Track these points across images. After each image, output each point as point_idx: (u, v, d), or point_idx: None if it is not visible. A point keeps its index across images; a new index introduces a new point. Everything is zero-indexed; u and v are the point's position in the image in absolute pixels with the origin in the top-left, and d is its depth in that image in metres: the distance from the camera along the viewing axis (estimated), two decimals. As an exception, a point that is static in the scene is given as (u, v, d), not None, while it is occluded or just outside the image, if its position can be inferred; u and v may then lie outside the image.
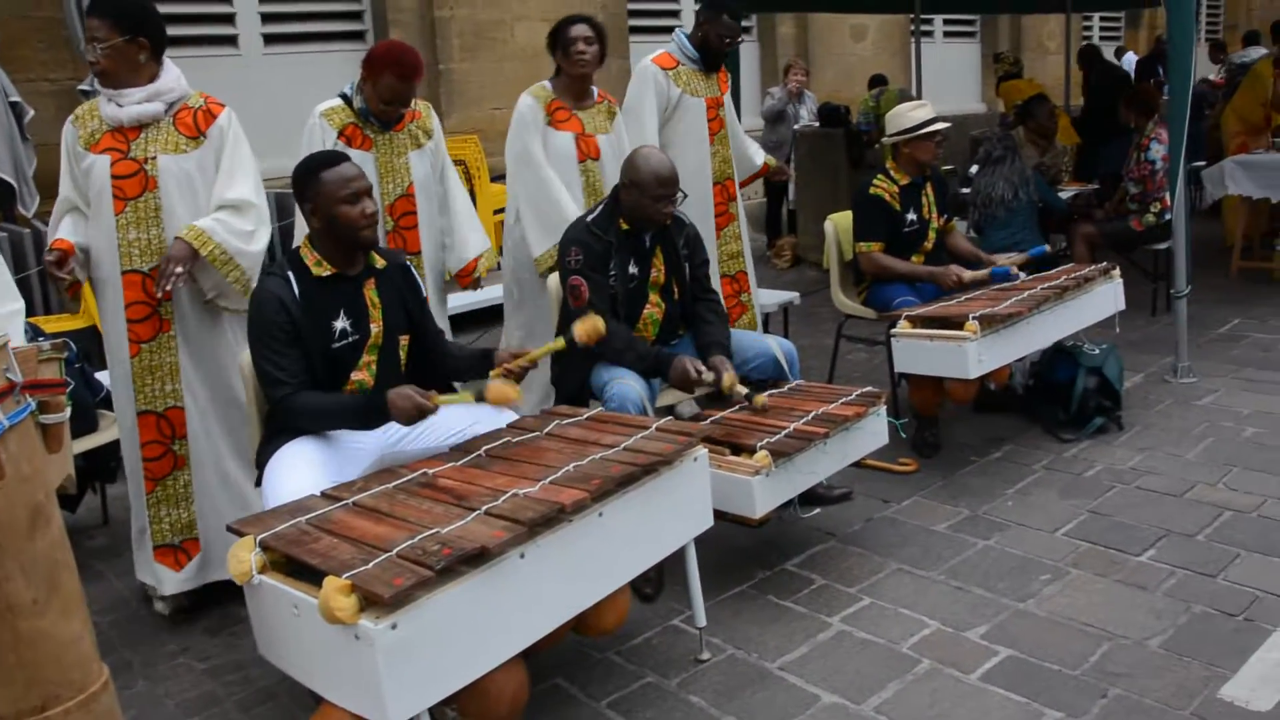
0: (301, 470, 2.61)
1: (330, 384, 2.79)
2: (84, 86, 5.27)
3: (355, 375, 2.83)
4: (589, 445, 2.61)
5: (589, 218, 3.47)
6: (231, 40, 6.99)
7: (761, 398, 3.30)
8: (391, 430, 2.84)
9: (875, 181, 4.47)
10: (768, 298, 5.38)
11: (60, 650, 1.75)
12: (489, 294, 6.09)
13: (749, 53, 10.26)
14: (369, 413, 2.67)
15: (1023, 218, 5.60)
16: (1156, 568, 3.20)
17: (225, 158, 3.19)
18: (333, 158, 2.82)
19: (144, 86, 3.10)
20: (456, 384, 3.09)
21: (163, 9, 3.21)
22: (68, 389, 1.91)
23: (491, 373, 2.87)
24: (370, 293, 2.87)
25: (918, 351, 3.92)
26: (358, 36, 7.51)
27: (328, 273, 2.79)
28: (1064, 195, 6.52)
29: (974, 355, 3.73)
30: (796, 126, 8.72)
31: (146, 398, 3.20)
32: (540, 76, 4.22)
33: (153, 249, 3.12)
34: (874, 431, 3.33)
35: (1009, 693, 2.62)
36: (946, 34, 12.68)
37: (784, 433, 3.06)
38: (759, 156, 4.86)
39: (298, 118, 3.55)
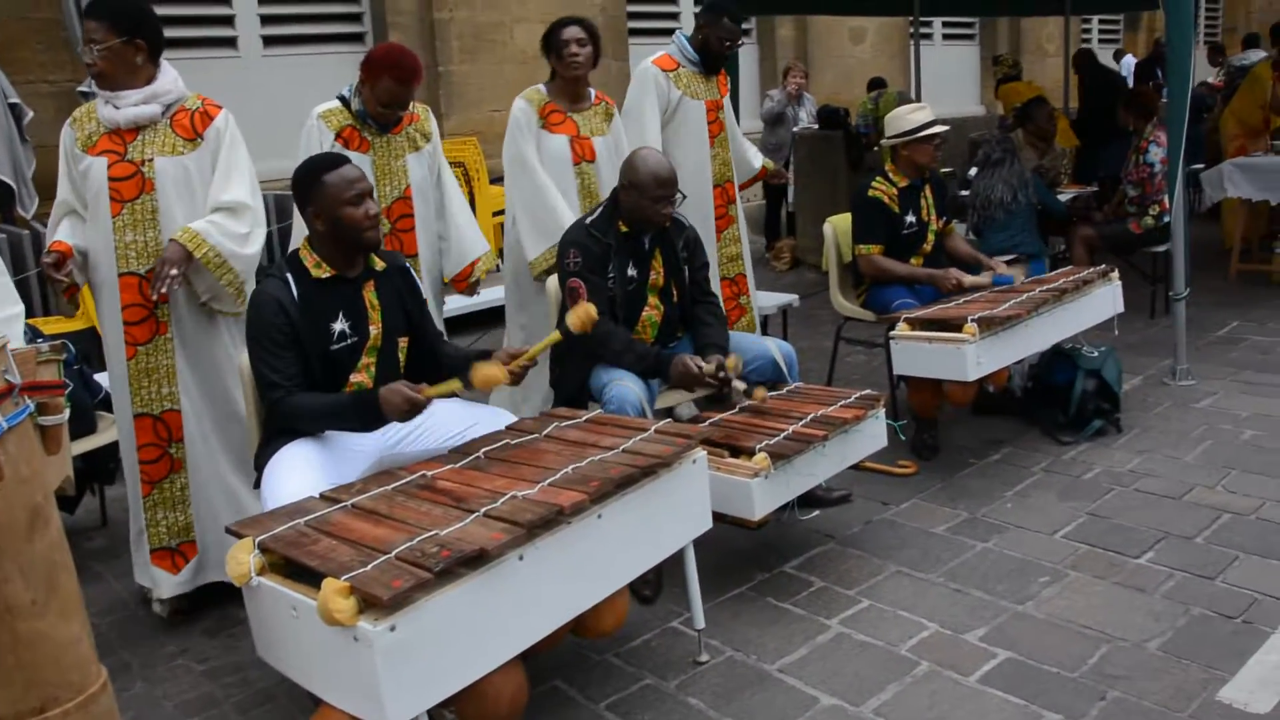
0: (300, 472, 2.61)
1: (329, 386, 2.79)
2: (83, 88, 5.27)
3: (354, 377, 2.83)
4: (588, 447, 2.61)
5: (588, 220, 3.47)
6: (231, 42, 7.00)
7: (761, 391, 3.30)
8: (390, 432, 2.84)
9: (874, 184, 4.47)
10: (767, 300, 5.38)
11: (59, 652, 1.75)
12: (488, 296, 6.11)
13: (748, 55, 10.27)
14: (361, 409, 2.66)
15: (1021, 220, 5.60)
16: (1155, 570, 3.20)
17: (221, 159, 3.18)
18: (334, 160, 2.82)
19: (141, 88, 3.09)
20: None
21: (162, 11, 3.22)
22: (66, 391, 1.91)
23: (487, 371, 2.86)
24: (369, 295, 2.87)
25: (916, 354, 3.92)
26: (357, 39, 7.52)
27: (327, 275, 2.79)
28: (1063, 198, 6.52)
29: (973, 358, 3.74)
30: (796, 129, 8.73)
31: (143, 400, 3.20)
32: (539, 79, 4.23)
33: (149, 251, 3.11)
34: (873, 434, 3.33)
35: (1008, 695, 2.62)
36: (945, 36, 12.69)
37: (783, 435, 3.06)
38: (756, 160, 4.87)
39: (297, 120, 3.55)
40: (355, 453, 2.79)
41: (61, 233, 3.16)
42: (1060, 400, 4.38)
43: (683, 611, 3.06)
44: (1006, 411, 4.63)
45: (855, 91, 10.28)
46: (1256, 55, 9.89)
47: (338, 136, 3.49)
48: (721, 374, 3.27)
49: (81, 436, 3.62)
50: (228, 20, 6.96)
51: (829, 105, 8.84)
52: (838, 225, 4.77)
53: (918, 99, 8.65)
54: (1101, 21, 15.30)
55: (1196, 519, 3.52)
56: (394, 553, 2.02)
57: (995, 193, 5.59)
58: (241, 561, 2.15)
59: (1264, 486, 3.73)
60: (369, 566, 1.97)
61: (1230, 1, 17.32)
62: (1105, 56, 14.14)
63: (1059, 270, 4.75)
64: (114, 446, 3.53)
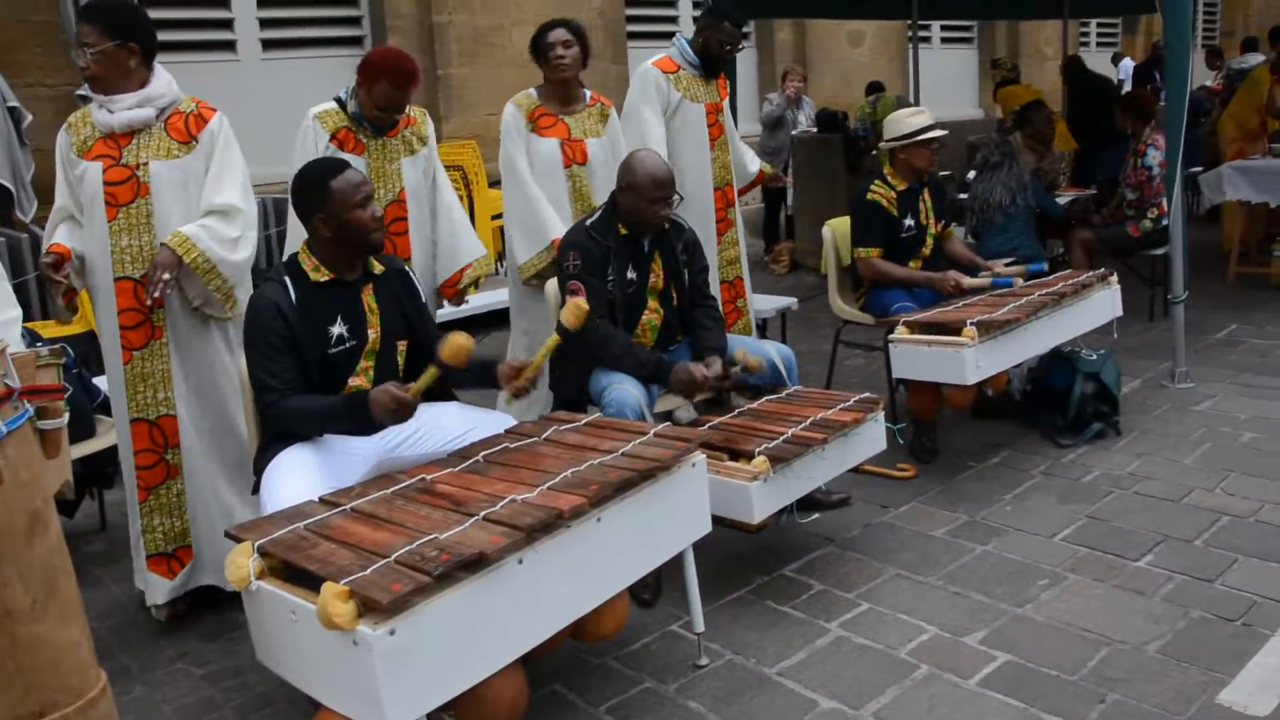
0: (299, 476, 2.61)
1: (327, 390, 2.79)
2: (82, 92, 5.27)
3: (353, 381, 2.83)
4: (587, 451, 2.61)
5: (588, 222, 3.47)
6: (230, 46, 7.00)
7: (740, 352, 3.33)
8: (389, 436, 2.84)
9: (873, 187, 4.47)
10: (766, 303, 5.39)
11: (58, 656, 1.75)
12: (487, 298, 6.12)
13: (746, 58, 10.28)
14: (353, 411, 2.65)
15: (1020, 223, 5.61)
16: (1154, 573, 3.20)
17: (215, 162, 3.17)
18: (337, 165, 2.82)
19: (135, 92, 3.08)
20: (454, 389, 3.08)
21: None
22: (66, 395, 1.91)
23: (501, 397, 2.87)
24: (368, 298, 2.87)
25: (915, 357, 3.92)
26: (356, 42, 7.53)
27: (325, 278, 2.80)
28: (1061, 201, 6.53)
29: (972, 361, 3.74)
30: (794, 132, 8.74)
31: (139, 405, 3.19)
32: (538, 82, 4.23)
33: (144, 255, 3.10)
34: (872, 437, 3.34)
35: (1007, 698, 2.62)
36: (944, 40, 12.71)
37: (782, 438, 3.06)
38: (754, 164, 4.87)
39: (295, 123, 3.55)
40: (354, 457, 2.79)
41: (59, 236, 3.15)
42: (1059, 403, 4.39)
43: (682, 615, 3.06)
44: (1005, 415, 4.63)
45: (854, 95, 10.29)
46: (1255, 59, 9.91)
47: (333, 138, 3.49)
48: (733, 369, 3.28)
49: (80, 440, 3.62)
50: (226, 24, 6.97)
51: (827, 108, 8.85)
52: (836, 228, 4.77)
53: (916, 102, 8.66)
54: (1099, 25, 15.33)
55: (1196, 522, 3.52)
56: (393, 556, 2.02)
57: (994, 196, 5.60)
58: (241, 565, 2.15)
59: (1263, 489, 3.74)
60: (368, 570, 1.97)
61: (1228, 5, 17.35)
62: (1103, 59, 14.20)
63: (1058, 274, 4.75)
64: (113, 450, 3.53)
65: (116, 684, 2.23)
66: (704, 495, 2.72)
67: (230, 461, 3.30)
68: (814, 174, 8.32)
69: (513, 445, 2.71)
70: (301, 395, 2.71)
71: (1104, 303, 4.47)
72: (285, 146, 3.56)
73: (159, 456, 3.23)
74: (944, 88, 11.64)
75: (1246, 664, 2.69)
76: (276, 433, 2.76)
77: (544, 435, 2.77)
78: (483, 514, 2.21)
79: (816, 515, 3.52)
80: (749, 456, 2.95)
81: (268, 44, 7.15)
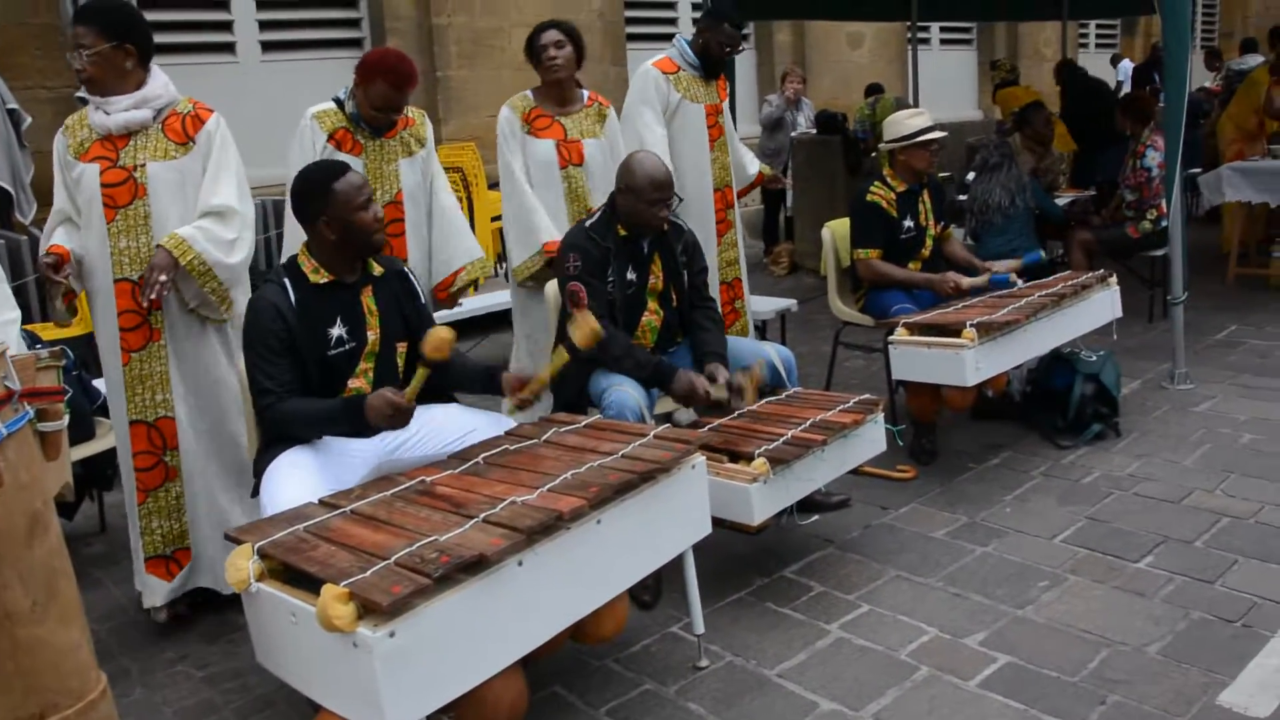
0: (299, 478, 2.61)
1: (326, 392, 2.79)
2: (81, 94, 5.25)
3: (352, 383, 2.83)
4: (587, 453, 2.60)
5: (588, 223, 3.47)
6: (229, 48, 7.00)
7: (756, 369, 3.34)
8: (389, 438, 2.83)
9: (872, 188, 4.47)
10: (765, 305, 5.39)
11: (58, 658, 1.75)
12: (487, 300, 6.12)
13: (746, 60, 10.29)
14: (350, 415, 2.64)
15: (1019, 224, 5.61)
16: (1155, 574, 3.20)
17: (212, 163, 3.17)
18: (338, 168, 2.82)
19: (131, 94, 3.07)
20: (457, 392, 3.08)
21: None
22: (65, 397, 1.91)
23: (508, 410, 2.89)
24: (367, 300, 2.87)
25: (915, 359, 3.92)
26: (355, 44, 7.53)
27: (325, 280, 2.80)
28: (1061, 202, 6.53)
29: (971, 362, 3.74)
30: (794, 133, 8.74)
31: (137, 407, 3.19)
32: (537, 84, 4.23)
33: (143, 257, 3.09)
34: (872, 439, 3.34)
35: (1008, 699, 2.62)
36: (943, 41, 12.71)
37: (782, 440, 3.05)
38: (753, 166, 4.87)
39: (295, 125, 3.55)
40: (354, 458, 2.78)
41: (57, 238, 3.14)
42: (1059, 405, 4.39)
43: (682, 617, 3.06)
44: (1005, 416, 4.63)
45: (853, 96, 10.30)
46: (1255, 60, 9.92)
47: (330, 138, 3.48)
48: (730, 390, 3.29)
49: (80, 442, 3.62)
50: (226, 26, 6.97)
51: (827, 110, 8.85)
52: (836, 230, 4.77)
53: (915, 104, 8.66)
54: (1099, 26, 15.34)
55: (1196, 523, 3.53)
56: (393, 559, 2.02)
57: (993, 197, 5.60)
58: (241, 568, 2.15)
59: (1263, 490, 3.74)
60: (368, 572, 1.97)
61: (1227, 6, 17.37)
62: (1102, 61, 14.21)
63: (1057, 275, 4.75)
64: (113, 452, 3.53)
65: (117, 686, 2.23)
66: (704, 497, 2.72)
67: (228, 464, 3.30)
68: (813, 175, 8.33)
69: (512, 447, 2.71)
70: (299, 398, 2.71)
71: (1103, 304, 4.48)
72: (285, 148, 3.56)
73: (157, 459, 3.22)
74: (943, 89, 11.65)
75: (1247, 665, 2.69)
76: (276, 435, 2.76)
77: (544, 437, 2.77)
78: (482, 516, 2.21)
79: (816, 517, 3.52)
80: (749, 458, 2.95)
81: (267, 46, 7.15)
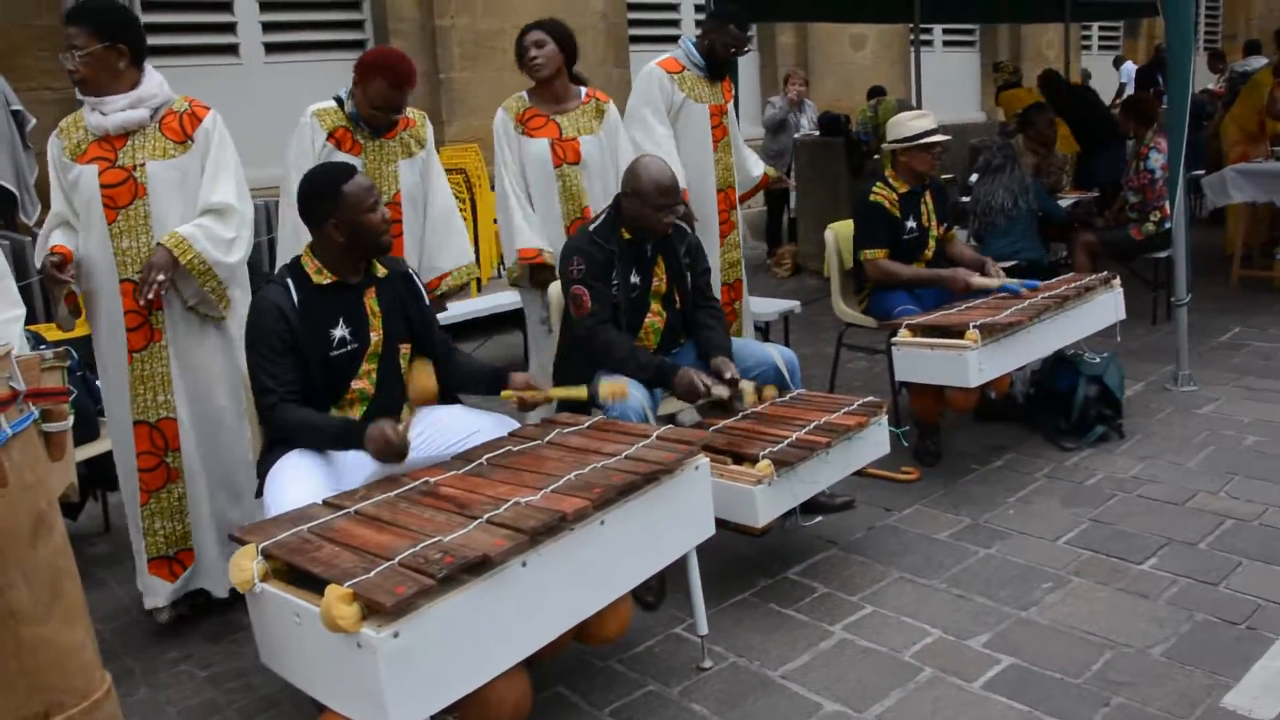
0: (303, 479, 2.61)
1: (329, 393, 2.79)
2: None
3: (356, 384, 2.84)
4: (590, 454, 2.61)
5: (591, 227, 3.47)
6: (233, 49, 7.01)
7: (770, 390, 3.33)
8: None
9: (875, 189, 4.47)
10: (769, 306, 5.39)
11: (63, 657, 1.75)
12: (488, 301, 6.12)
13: (749, 62, 10.28)
14: (348, 440, 2.63)
15: (1022, 226, 5.61)
16: (1158, 576, 3.20)
17: (210, 161, 3.16)
18: (346, 169, 2.82)
19: (127, 94, 3.07)
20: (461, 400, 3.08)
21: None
22: (70, 397, 1.91)
23: (502, 393, 2.89)
24: (370, 301, 2.87)
25: (918, 360, 3.92)
26: (358, 46, 7.53)
27: (328, 281, 2.80)
28: (1064, 203, 6.53)
29: (975, 364, 3.73)
30: (797, 135, 8.74)
31: (139, 408, 3.19)
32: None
33: (144, 257, 3.08)
34: (875, 440, 3.33)
35: (1011, 701, 2.62)
36: (946, 43, 12.72)
37: (786, 442, 3.05)
38: (757, 169, 4.85)
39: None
40: (358, 459, 2.78)
41: (56, 239, 3.13)
42: (1062, 406, 4.38)
43: (686, 618, 3.06)
44: (1009, 418, 4.63)
45: (856, 98, 10.30)
46: (1259, 62, 9.92)
47: (330, 136, 3.47)
48: (731, 387, 3.29)
49: (85, 443, 3.62)
50: (229, 28, 6.98)
51: (830, 112, 8.86)
52: (839, 231, 4.77)
53: (918, 105, 8.68)
54: (1101, 28, 15.34)
55: (1199, 525, 3.52)
56: (397, 559, 2.02)
57: (996, 199, 5.60)
58: (245, 568, 2.15)
59: (1267, 492, 3.73)
60: (372, 573, 1.97)
61: (1230, 8, 17.37)
62: (1105, 63, 14.21)
63: (1061, 277, 4.75)
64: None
65: (120, 686, 2.23)
66: (707, 498, 2.72)
67: (230, 464, 3.30)
68: (816, 177, 8.33)
69: (516, 448, 2.72)
70: (301, 407, 2.70)
71: (1107, 306, 4.48)
72: (287, 150, 3.56)
73: (159, 459, 3.22)
74: (946, 91, 11.65)
75: (1251, 667, 2.68)
76: (279, 436, 2.76)
77: (547, 438, 2.77)
78: (486, 516, 2.21)
79: (820, 518, 3.52)
80: (753, 460, 2.95)
81: (270, 47, 7.16)
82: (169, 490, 3.25)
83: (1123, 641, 2.85)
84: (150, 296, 3.01)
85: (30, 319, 3.39)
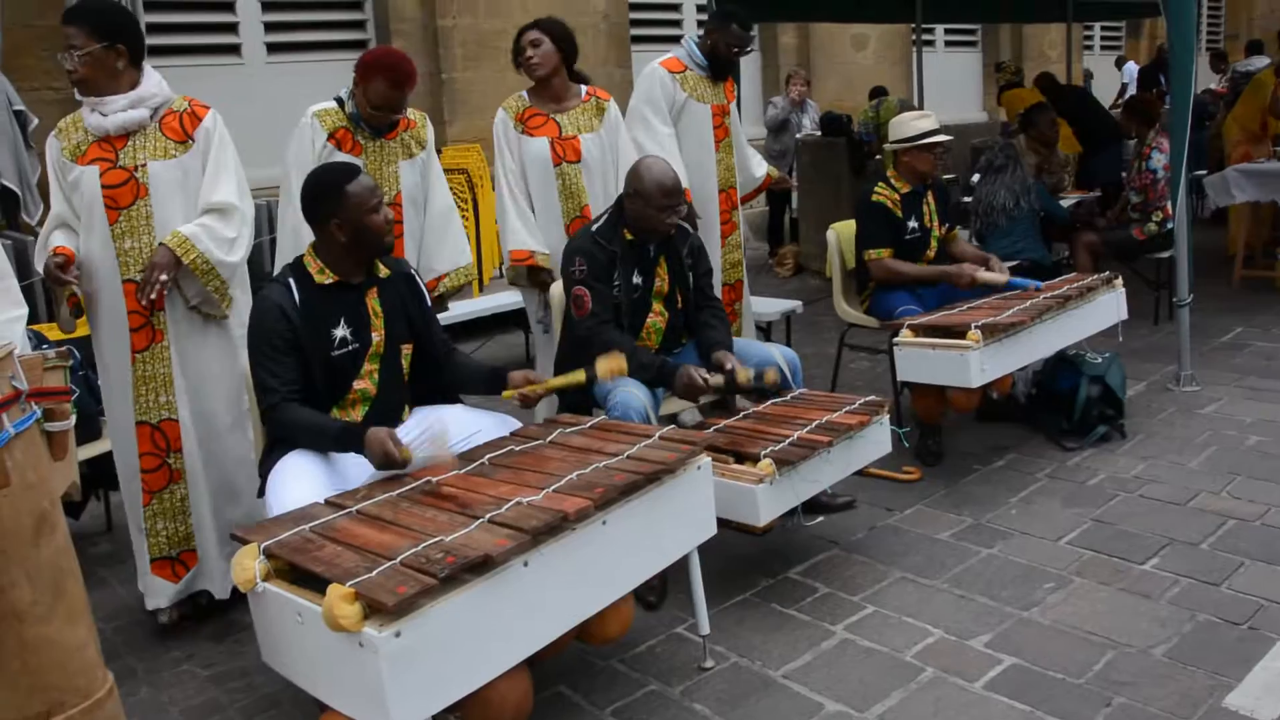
0: (305, 478, 2.61)
1: (331, 393, 2.79)
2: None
3: (357, 384, 2.84)
4: (592, 454, 2.61)
5: (594, 227, 3.47)
6: (235, 49, 7.02)
7: (771, 372, 3.29)
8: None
9: (877, 189, 4.47)
10: (770, 306, 5.39)
11: (65, 657, 1.75)
12: (488, 301, 6.13)
13: (750, 62, 10.27)
14: (348, 443, 2.63)
15: (1024, 226, 5.60)
16: (1160, 576, 3.20)
17: (211, 160, 3.16)
18: (349, 170, 2.82)
19: (126, 94, 3.06)
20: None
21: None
22: (73, 397, 1.92)
23: (504, 393, 2.89)
24: (372, 301, 2.87)
25: (920, 360, 3.92)
26: (360, 46, 7.52)
27: (330, 281, 2.80)
28: (1066, 204, 6.53)
29: (976, 364, 3.73)
30: (799, 135, 8.74)
31: (142, 408, 3.19)
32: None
33: (145, 257, 3.08)
34: (877, 440, 3.33)
35: (1013, 701, 2.62)
36: (948, 43, 12.71)
37: (788, 441, 3.05)
38: (759, 170, 4.84)
39: (299, 126, 3.55)
40: (359, 459, 2.78)
41: (57, 240, 3.13)
42: (1064, 406, 4.38)
43: (687, 617, 3.06)
44: (1010, 418, 4.62)
45: (858, 98, 10.30)
46: (1260, 62, 9.92)
47: (330, 137, 3.47)
48: (729, 388, 3.28)
49: (87, 442, 3.63)
50: (231, 28, 6.98)
51: (832, 112, 8.86)
52: (841, 232, 4.77)
53: (920, 105, 8.67)
54: (1103, 28, 15.34)
55: (1201, 525, 3.52)
56: (399, 559, 2.03)
57: (998, 199, 5.60)
58: (247, 567, 2.15)
59: (1269, 492, 3.73)
60: (374, 573, 1.97)
61: (1233, 8, 17.35)
62: (1107, 63, 14.21)
63: (1062, 277, 4.74)
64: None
65: (122, 685, 2.23)
66: (709, 498, 2.72)
67: (230, 465, 3.30)
68: (818, 177, 8.33)
69: (518, 448, 2.72)
70: (302, 407, 2.70)
71: (1109, 306, 4.47)
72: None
73: (161, 460, 3.22)
74: (948, 91, 11.65)
75: (1253, 668, 2.68)
76: (280, 436, 2.76)
77: (549, 438, 2.77)
78: (488, 516, 2.21)
79: (822, 518, 3.52)
80: (754, 459, 2.95)
81: (272, 48, 7.16)
82: (171, 491, 3.25)
83: (1124, 642, 2.85)
84: (153, 296, 3.01)
85: (32, 319, 3.39)
